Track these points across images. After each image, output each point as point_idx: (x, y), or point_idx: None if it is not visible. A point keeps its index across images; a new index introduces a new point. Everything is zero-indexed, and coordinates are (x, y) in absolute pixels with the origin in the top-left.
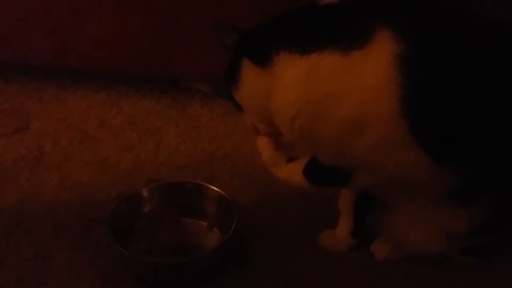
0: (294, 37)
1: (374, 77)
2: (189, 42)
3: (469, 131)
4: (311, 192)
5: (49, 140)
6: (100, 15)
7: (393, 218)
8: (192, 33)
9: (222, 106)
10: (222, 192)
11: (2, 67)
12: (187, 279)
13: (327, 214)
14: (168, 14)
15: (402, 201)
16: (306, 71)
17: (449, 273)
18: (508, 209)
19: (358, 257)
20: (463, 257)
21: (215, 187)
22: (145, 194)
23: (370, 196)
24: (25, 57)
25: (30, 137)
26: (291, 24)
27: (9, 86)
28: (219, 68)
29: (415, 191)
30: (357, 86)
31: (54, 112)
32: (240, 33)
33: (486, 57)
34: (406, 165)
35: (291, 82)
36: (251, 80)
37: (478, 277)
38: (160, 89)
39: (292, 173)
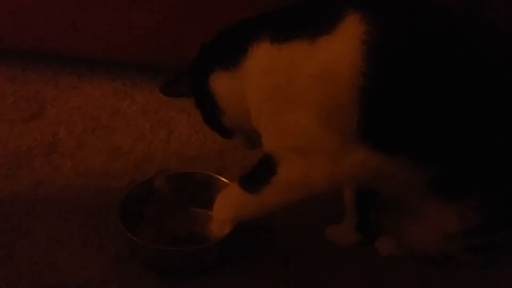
0: (268, 27)
1: (338, 61)
2: (203, 33)
3: (434, 124)
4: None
5: (64, 127)
6: (116, 5)
7: (394, 215)
8: (206, 24)
9: None
10: None
11: (20, 54)
12: (195, 268)
13: (334, 209)
14: (183, 5)
15: (394, 198)
16: (276, 60)
17: (453, 271)
18: (505, 210)
19: (364, 253)
20: (468, 257)
21: (225, 178)
22: (156, 183)
23: (370, 193)
24: (42, 44)
25: (45, 123)
26: (268, 15)
27: (26, 73)
28: None
29: (395, 186)
30: (322, 71)
31: (69, 99)
32: (192, 62)
33: (456, 48)
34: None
35: (261, 72)
36: (226, 90)
37: (482, 276)
38: None
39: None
